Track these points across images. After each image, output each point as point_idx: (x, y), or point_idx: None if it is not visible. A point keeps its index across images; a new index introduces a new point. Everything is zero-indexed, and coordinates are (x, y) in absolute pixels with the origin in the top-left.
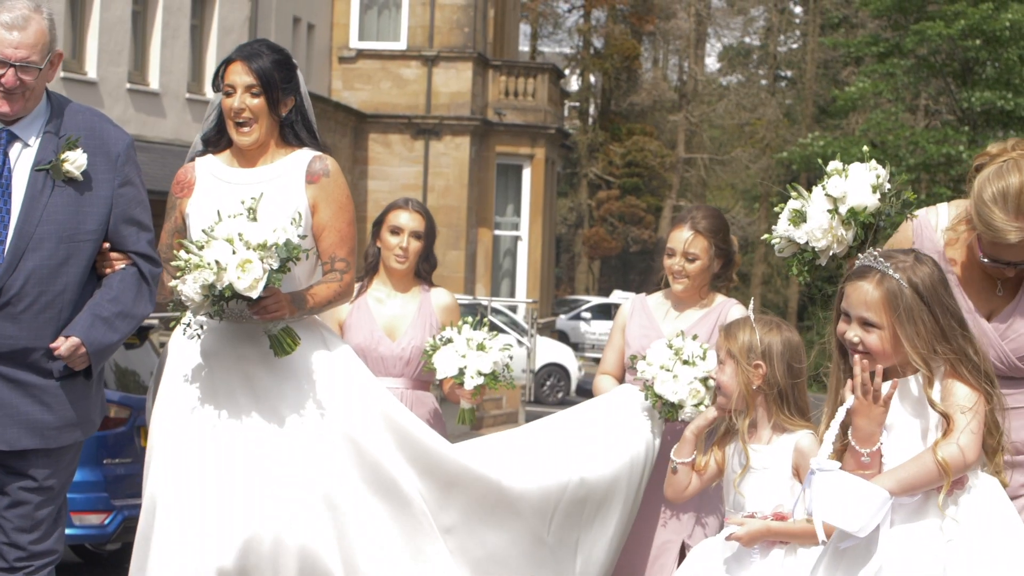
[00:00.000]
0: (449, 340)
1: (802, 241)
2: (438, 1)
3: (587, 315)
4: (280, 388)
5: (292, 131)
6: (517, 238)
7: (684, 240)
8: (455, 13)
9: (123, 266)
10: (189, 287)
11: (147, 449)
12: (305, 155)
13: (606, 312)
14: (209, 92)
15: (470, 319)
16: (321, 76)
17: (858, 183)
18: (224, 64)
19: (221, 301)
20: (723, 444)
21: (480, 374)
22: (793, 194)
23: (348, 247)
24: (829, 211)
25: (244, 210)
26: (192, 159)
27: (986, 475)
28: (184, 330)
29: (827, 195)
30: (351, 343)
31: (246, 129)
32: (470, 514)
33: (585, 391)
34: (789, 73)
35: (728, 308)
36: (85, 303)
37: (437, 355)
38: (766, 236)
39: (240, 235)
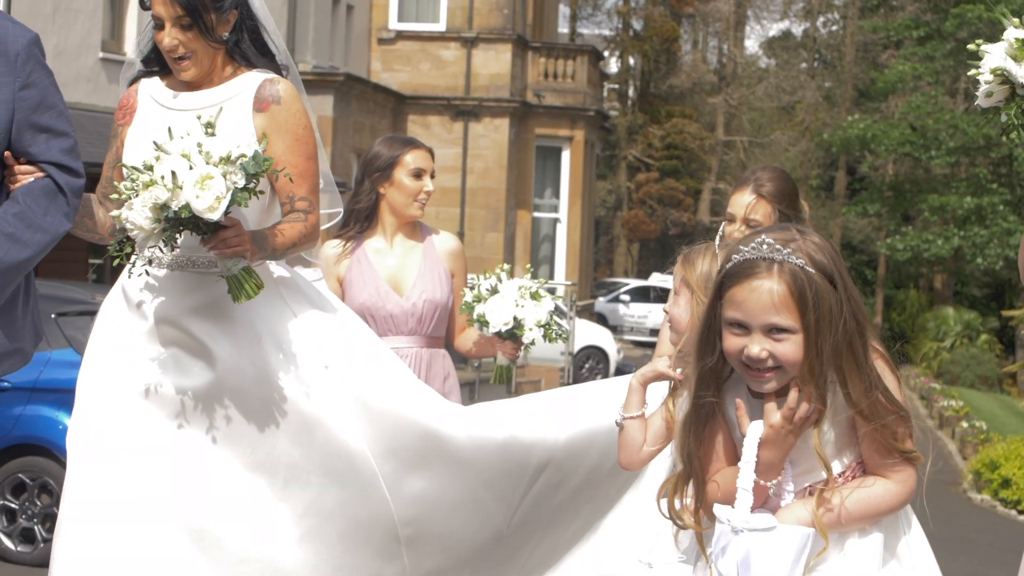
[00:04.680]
0: (495, 290)
1: None
2: None
3: (626, 298)
4: (231, 342)
5: (238, 49)
6: (556, 220)
7: (746, 205)
8: None
9: (32, 179)
10: (137, 211)
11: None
12: (255, 78)
13: (645, 295)
14: None
15: (505, 267)
16: (360, 57)
17: None
18: None
19: (176, 226)
20: (674, 398)
21: (539, 325)
22: (1015, 21)
23: (308, 185)
24: None
25: (201, 125)
26: (136, 80)
27: None
28: (129, 272)
29: None
30: (355, 302)
31: (185, 63)
32: (433, 499)
33: (623, 374)
34: (829, 56)
35: None
36: None
37: (487, 306)
38: (973, 72)
39: (200, 147)
